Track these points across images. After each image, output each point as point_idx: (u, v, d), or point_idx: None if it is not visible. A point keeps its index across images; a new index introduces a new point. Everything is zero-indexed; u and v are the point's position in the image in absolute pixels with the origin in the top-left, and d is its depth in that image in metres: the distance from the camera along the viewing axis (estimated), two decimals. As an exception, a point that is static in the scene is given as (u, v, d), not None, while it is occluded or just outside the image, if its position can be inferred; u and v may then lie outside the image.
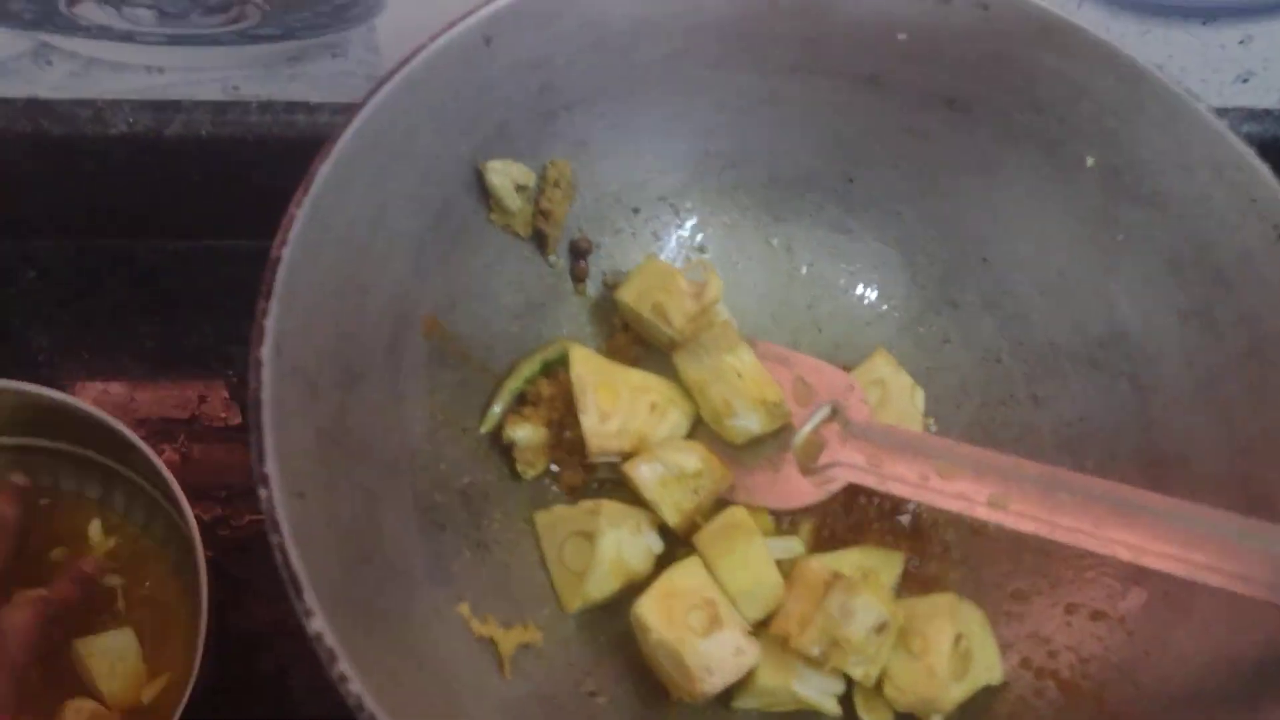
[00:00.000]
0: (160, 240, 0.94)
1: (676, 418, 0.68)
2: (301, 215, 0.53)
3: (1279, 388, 0.62)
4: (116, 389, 0.89)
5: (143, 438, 0.68)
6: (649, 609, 0.60)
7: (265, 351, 0.51)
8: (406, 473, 0.61)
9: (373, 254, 0.60)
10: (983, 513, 0.61)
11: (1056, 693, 0.63)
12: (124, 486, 0.75)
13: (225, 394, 0.89)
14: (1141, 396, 0.68)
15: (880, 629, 0.60)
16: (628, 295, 0.69)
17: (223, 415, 0.89)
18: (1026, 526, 0.59)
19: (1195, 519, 0.56)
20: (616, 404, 0.66)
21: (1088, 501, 0.58)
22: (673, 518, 0.65)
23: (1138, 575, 0.65)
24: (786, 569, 0.64)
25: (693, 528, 0.65)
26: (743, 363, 0.66)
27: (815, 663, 0.61)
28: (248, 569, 0.82)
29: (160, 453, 0.68)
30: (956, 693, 0.62)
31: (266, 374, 0.51)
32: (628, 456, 0.66)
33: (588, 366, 0.67)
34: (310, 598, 0.47)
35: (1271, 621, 0.57)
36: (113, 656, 0.69)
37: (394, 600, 0.55)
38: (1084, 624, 0.65)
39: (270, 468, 0.49)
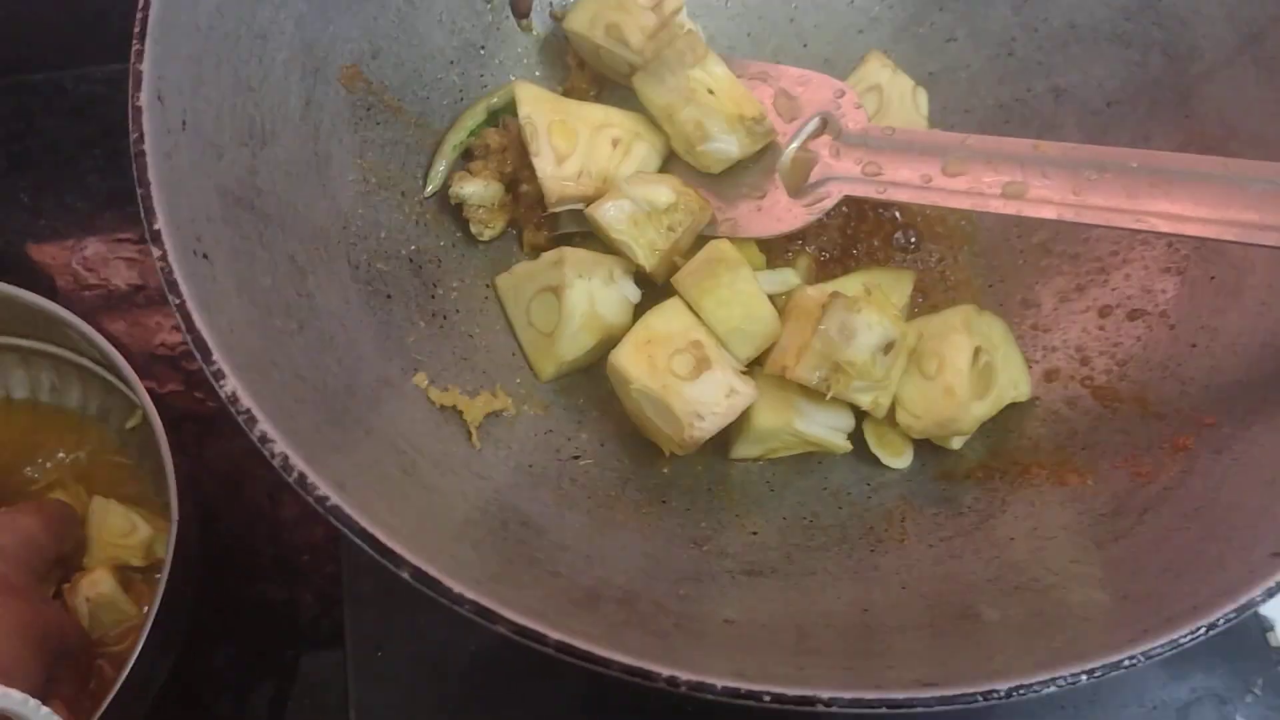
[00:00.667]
0: (90, 67, 0.86)
1: (644, 152, 0.60)
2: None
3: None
4: (60, 235, 0.84)
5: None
6: (627, 358, 0.54)
7: (144, 98, 0.45)
8: (339, 242, 0.55)
9: (267, -6, 0.52)
10: (997, 205, 0.53)
11: (1092, 401, 0.56)
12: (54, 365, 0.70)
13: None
14: (1177, 67, 0.59)
15: (887, 349, 0.53)
16: (578, 23, 0.61)
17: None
18: (1049, 213, 0.51)
19: (1244, 176, 0.48)
20: (574, 143, 0.58)
21: (1120, 174, 0.50)
22: (648, 260, 0.58)
23: (1180, 263, 0.57)
24: (783, 305, 0.57)
25: (672, 269, 0.58)
26: (714, 77, 0.57)
27: (817, 395, 0.54)
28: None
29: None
30: (979, 410, 0.55)
31: (148, 123, 0.45)
32: (593, 202, 0.59)
33: (538, 105, 0.59)
34: (219, 358, 0.42)
35: (1334, 288, 0.49)
36: (98, 523, 0.65)
37: (333, 372, 0.49)
38: (1120, 325, 0.57)
39: (162, 224, 0.43)
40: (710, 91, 0.57)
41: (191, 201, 0.46)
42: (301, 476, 0.41)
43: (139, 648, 0.55)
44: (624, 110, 0.61)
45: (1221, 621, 0.39)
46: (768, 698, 0.38)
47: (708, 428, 0.53)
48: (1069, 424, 0.56)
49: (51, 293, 0.79)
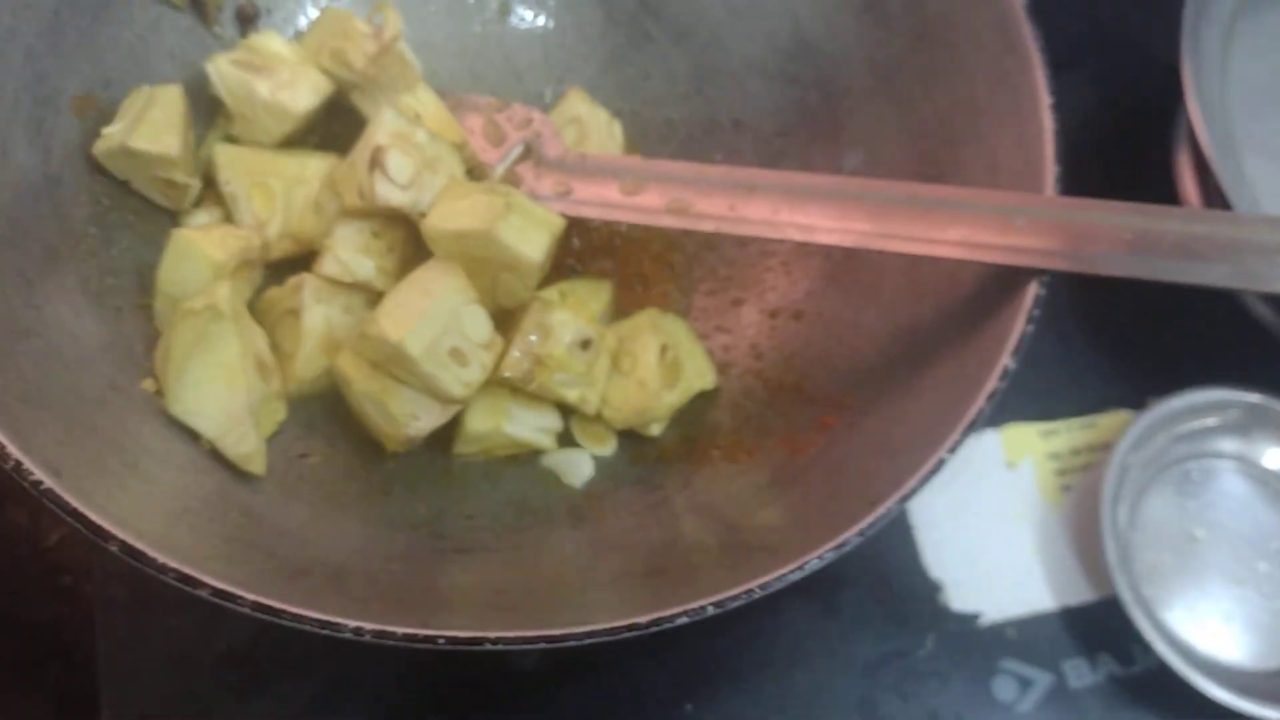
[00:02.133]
0: None
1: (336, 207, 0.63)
2: None
3: (944, 67, 0.63)
4: None
5: None
6: (349, 361, 0.59)
7: None
8: (69, 257, 0.58)
9: (-8, 27, 0.56)
10: (668, 220, 0.61)
11: (763, 390, 0.64)
12: None
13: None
14: (830, 102, 0.69)
15: (584, 345, 0.60)
16: (307, 49, 0.66)
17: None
18: (707, 226, 0.60)
19: (861, 193, 0.57)
20: (273, 206, 0.63)
21: (766, 192, 0.59)
22: (385, 284, 0.62)
23: (834, 270, 0.66)
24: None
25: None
26: (421, 102, 0.64)
27: (527, 398, 0.61)
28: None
29: None
30: (670, 399, 0.63)
31: None
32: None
33: (235, 170, 0.63)
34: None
35: (942, 286, 0.59)
36: None
37: (59, 377, 0.53)
38: (788, 325, 0.67)
39: None
40: (417, 116, 0.63)
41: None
42: (17, 463, 0.44)
43: None
44: (322, 156, 0.65)
45: (820, 559, 0.47)
46: (442, 640, 0.44)
47: (422, 427, 0.59)
48: (744, 410, 0.64)
49: None
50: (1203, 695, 0.66)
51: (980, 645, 0.72)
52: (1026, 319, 0.53)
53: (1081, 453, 0.79)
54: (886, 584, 0.72)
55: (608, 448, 0.64)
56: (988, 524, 0.75)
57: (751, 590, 0.46)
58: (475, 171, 0.66)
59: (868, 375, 0.60)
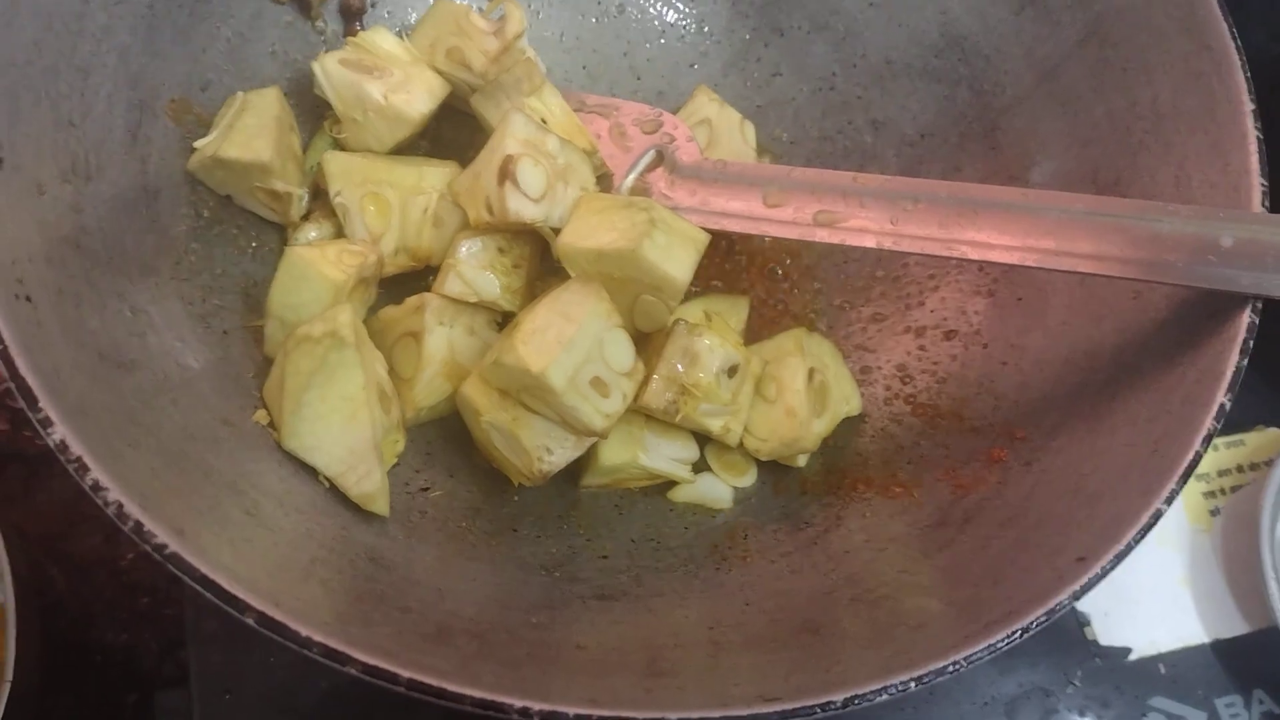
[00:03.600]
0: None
1: (456, 219, 0.59)
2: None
3: (1119, 67, 0.57)
4: None
5: None
6: (477, 389, 0.54)
7: (-47, 133, 0.43)
8: (171, 278, 0.54)
9: (88, 27, 0.51)
10: (822, 234, 0.55)
11: (914, 417, 0.59)
12: None
13: None
14: (982, 101, 0.63)
15: (731, 371, 0.55)
16: (418, 47, 0.61)
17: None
18: (869, 241, 0.54)
19: (1041, 206, 0.52)
20: (388, 219, 0.58)
21: (932, 205, 0.54)
22: (510, 303, 0.58)
23: (990, 286, 0.61)
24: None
25: (532, 296, 0.58)
26: (548, 107, 0.58)
27: (664, 427, 0.56)
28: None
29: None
30: (819, 428, 0.58)
31: (-43, 162, 0.43)
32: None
33: (347, 180, 0.58)
34: (46, 405, 0.40)
35: (1125, 307, 0.54)
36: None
37: (168, 414, 0.48)
38: (938, 345, 0.61)
39: (-25, 265, 0.42)
40: (544, 121, 0.58)
41: (11, 242, 0.44)
42: (138, 525, 0.40)
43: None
44: (440, 164, 0.60)
45: (1034, 625, 0.42)
46: (618, 725, 0.40)
47: (556, 461, 0.54)
48: (895, 439, 0.59)
49: None
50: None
51: (1130, 682, 0.68)
52: (1241, 350, 0.47)
53: (1230, 474, 0.73)
54: (1034, 619, 0.67)
55: (747, 478, 0.59)
56: (1135, 552, 0.70)
57: (957, 663, 0.41)
58: (601, 181, 0.60)
59: (1042, 405, 0.55)
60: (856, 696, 0.41)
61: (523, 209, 0.54)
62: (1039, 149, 0.61)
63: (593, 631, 0.49)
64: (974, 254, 0.52)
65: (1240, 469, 0.73)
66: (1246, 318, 0.48)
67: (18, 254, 0.44)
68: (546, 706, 0.39)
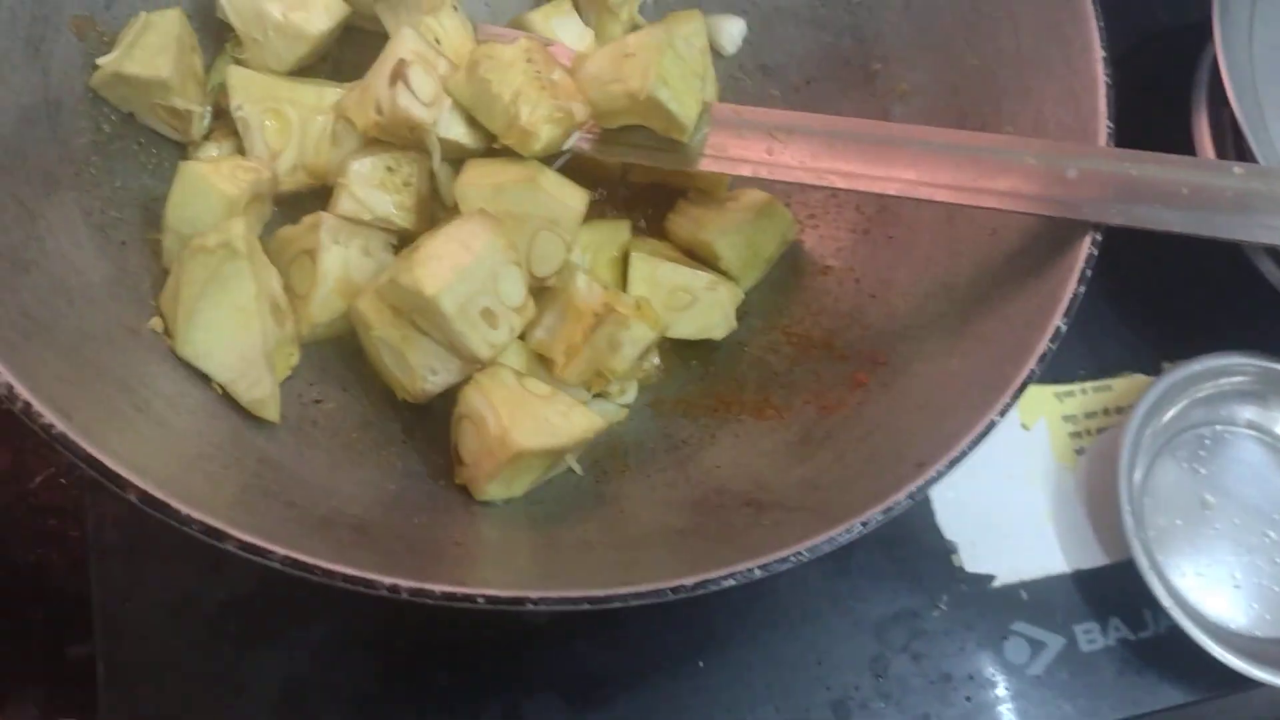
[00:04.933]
0: None
1: (352, 140, 0.61)
2: None
3: (989, 18, 0.61)
4: None
5: None
6: (370, 305, 0.56)
7: None
8: (71, 187, 0.55)
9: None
10: (706, 164, 0.58)
11: (789, 346, 0.63)
12: None
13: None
14: (864, 49, 0.67)
15: (645, 352, 0.58)
16: None
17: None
18: (745, 170, 0.58)
19: (905, 139, 0.55)
20: (288, 136, 0.60)
21: (806, 137, 0.57)
22: (404, 220, 0.60)
23: (865, 225, 0.65)
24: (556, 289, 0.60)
25: (433, 222, 0.60)
26: (444, 28, 0.60)
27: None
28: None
29: None
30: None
31: None
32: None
33: (249, 93, 0.59)
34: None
35: (982, 241, 0.58)
36: None
37: (64, 314, 0.50)
38: (814, 280, 0.65)
39: None
40: (438, 41, 0.60)
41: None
42: (26, 405, 0.42)
43: None
44: (340, 86, 0.62)
45: (872, 521, 0.46)
46: (481, 600, 0.42)
47: (439, 382, 0.57)
48: (769, 366, 0.62)
49: None
50: (1212, 660, 0.66)
51: (993, 607, 0.72)
52: (1079, 278, 0.51)
53: (1096, 416, 0.78)
54: (900, 544, 0.71)
55: (629, 395, 0.62)
56: (1002, 485, 0.75)
57: (799, 553, 0.45)
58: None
59: (903, 333, 0.59)
60: (706, 580, 0.44)
61: (412, 107, 0.56)
62: (914, 93, 0.64)
63: (471, 532, 0.52)
64: (841, 184, 0.55)
65: (1106, 412, 0.78)
66: (1086, 248, 0.52)
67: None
68: (414, 584, 0.42)
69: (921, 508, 0.73)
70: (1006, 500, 0.75)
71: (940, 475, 0.47)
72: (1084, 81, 0.55)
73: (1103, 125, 0.54)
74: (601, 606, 0.43)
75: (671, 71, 0.55)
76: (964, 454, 0.48)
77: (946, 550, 0.73)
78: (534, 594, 0.43)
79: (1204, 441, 0.75)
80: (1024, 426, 0.76)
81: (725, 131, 0.59)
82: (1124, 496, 0.69)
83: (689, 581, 0.44)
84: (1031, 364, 0.49)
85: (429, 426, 0.59)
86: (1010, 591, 0.72)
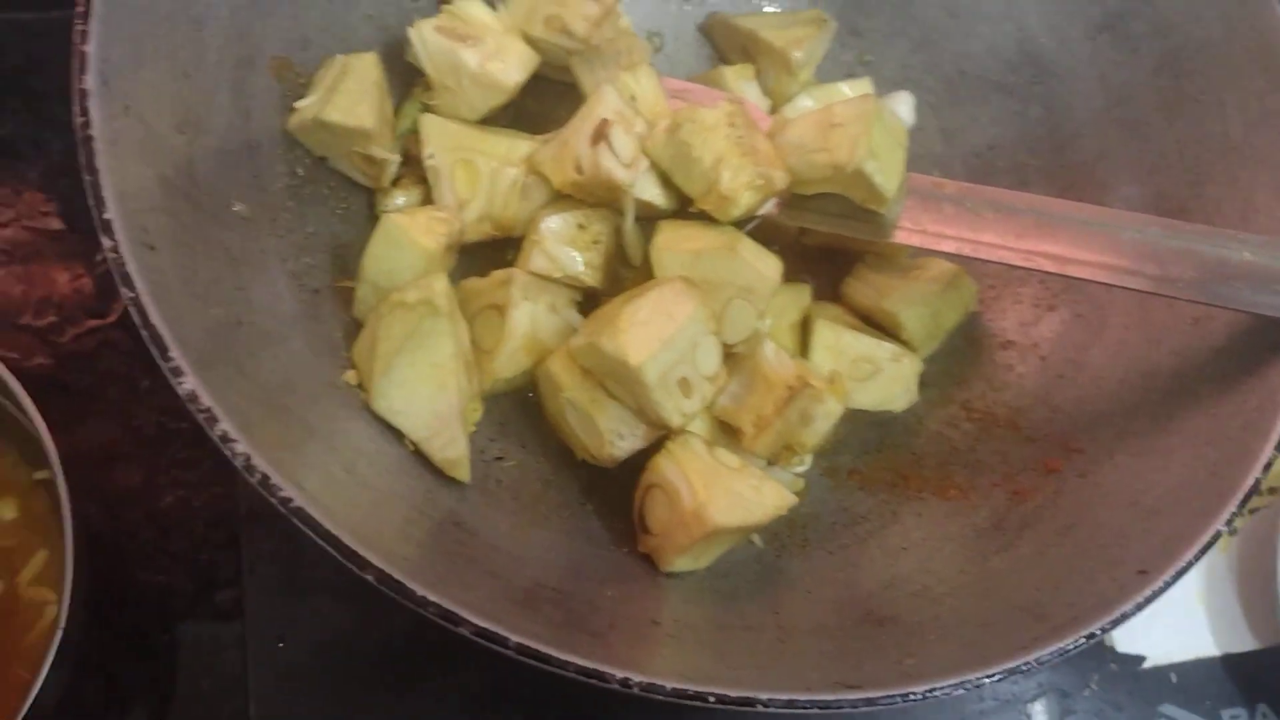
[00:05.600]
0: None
1: (541, 194, 0.60)
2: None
3: (1193, 98, 0.60)
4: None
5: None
6: (561, 366, 0.56)
7: (90, 81, 0.45)
8: (268, 234, 0.55)
9: (203, -23, 0.52)
10: (901, 236, 0.57)
11: (969, 423, 0.61)
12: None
13: (41, 190, 0.79)
14: (1052, 119, 0.65)
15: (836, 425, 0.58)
16: (514, 18, 0.61)
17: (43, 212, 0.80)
18: (946, 247, 0.56)
19: (1118, 225, 0.54)
20: (476, 186, 0.59)
21: (1011, 215, 0.56)
22: (591, 279, 0.59)
23: (1050, 300, 0.63)
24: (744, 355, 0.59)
25: (617, 280, 0.60)
26: (640, 86, 0.59)
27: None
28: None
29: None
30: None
31: (94, 107, 0.44)
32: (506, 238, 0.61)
33: (442, 142, 0.59)
34: (177, 355, 0.42)
35: (1183, 331, 0.56)
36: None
37: (270, 369, 0.49)
38: (995, 354, 0.63)
39: (112, 213, 0.43)
40: (633, 98, 0.59)
41: (136, 191, 0.45)
42: (265, 478, 0.41)
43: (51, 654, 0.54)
44: (531, 138, 0.61)
45: (1099, 632, 0.45)
46: (712, 699, 0.41)
47: (625, 447, 0.56)
48: (949, 442, 0.61)
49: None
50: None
51: (1142, 688, 0.71)
52: (1301, 383, 0.50)
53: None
54: (1057, 620, 0.70)
55: (804, 464, 0.61)
56: (1156, 565, 0.73)
57: (1028, 663, 0.44)
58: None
59: (1098, 420, 0.57)
60: (934, 689, 0.43)
61: (615, 169, 0.55)
62: (1106, 171, 0.63)
63: (664, 608, 0.51)
64: (1052, 267, 0.54)
65: (1260, 493, 0.76)
66: (1309, 352, 0.50)
67: (141, 204, 0.45)
68: (645, 679, 0.41)
69: (1076, 585, 0.72)
70: (1159, 580, 0.73)
71: (1168, 586, 0.46)
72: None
73: (1324, 223, 0.53)
74: (831, 712, 0.42)
75: (880, 144, 0.54)
76: (1190, 564, 0.46)
77: (1100, 631, 0.72)
78: (764, 694, 0.42)
79: (1366, 529, 0.74)
80: (1179, 505, 0.75)
81: (923, 204, 0.57)
82: (1278, 579, 0.68)
83: (918, 690, 0.43)
84: (1257, 471, 0.48)
85: (606, 489, 0.58)
86: (1160, 673, 0.71)
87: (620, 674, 0.41)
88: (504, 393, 0.59)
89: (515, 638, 0.41)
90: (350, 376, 0.54)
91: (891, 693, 0.42)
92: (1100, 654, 0.71)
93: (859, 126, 0.54)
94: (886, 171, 0.55)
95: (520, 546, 0.53)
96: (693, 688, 0.41)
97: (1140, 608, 0.45)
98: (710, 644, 0.49)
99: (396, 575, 0.41)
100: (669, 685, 0.41)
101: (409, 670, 0.64)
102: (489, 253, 0.61)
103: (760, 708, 0.42)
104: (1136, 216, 0.54)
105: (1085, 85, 0.64)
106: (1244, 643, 0.72)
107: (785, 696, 0.42)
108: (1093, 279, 0.54)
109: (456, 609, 0.41)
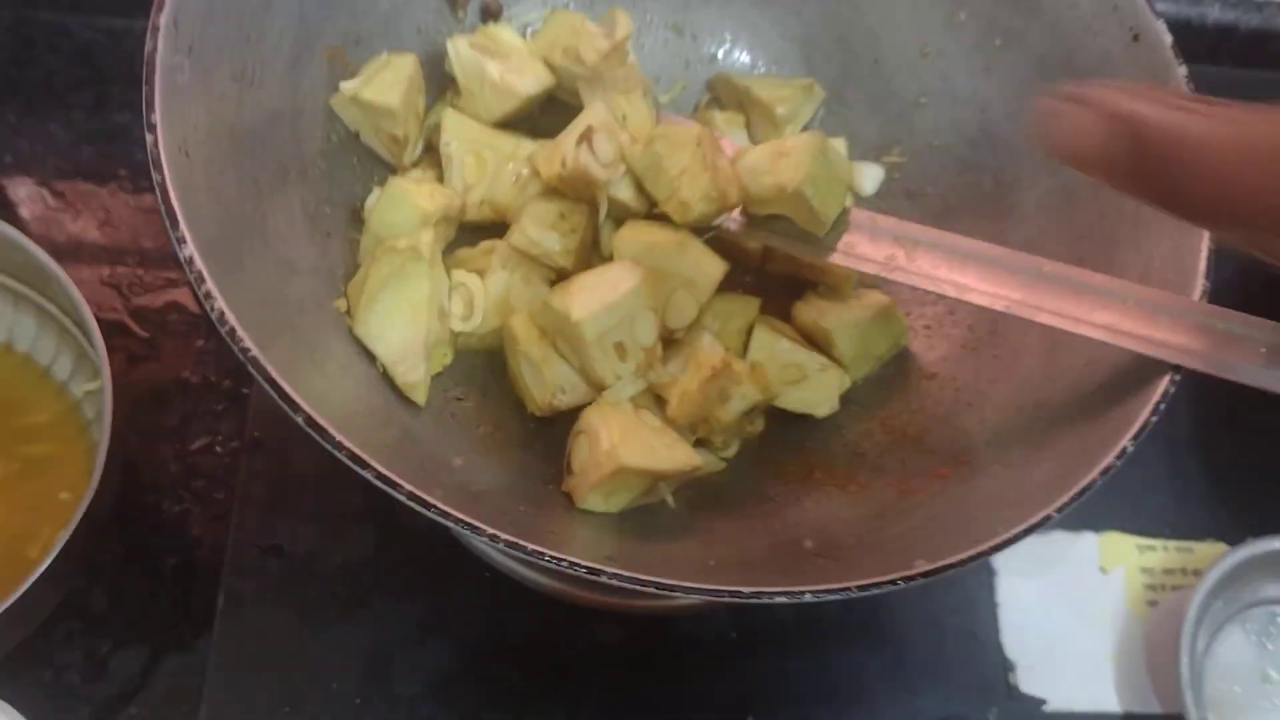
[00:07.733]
0: (96, 17, 0.98)
1: (536, 186, 0.70)
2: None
3: (1117, 176, 0.67)
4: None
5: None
6: (521, 323, 0.65)
7: (164, 19, 0.55)
8: (297, 181, 0.65)
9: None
10: (836, 258, 0.65)
11: (884, 435, 0.68)
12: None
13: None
14: (1000, 190, 0.73)
15: (750, 411, 0.65)
16: (539, 45, 0.73)
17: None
18: (869, 269, 0.65)
19: (1031, 268, 0.61)
20: (483, 174, 0.69)
21: (931, 248, 0.64)
22: (564, 260, 0.68)
23: (974, 343, 0.70)
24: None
25: (588, 267, 0.67)
26: (633, 107, 0.70)
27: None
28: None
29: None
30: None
31: (163, 40, 0.55)
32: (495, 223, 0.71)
33: (458, 134, 0.70)
34: (185, 229, 0.51)
35: (1077, 370, 0.62)
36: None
37: (269, 273, 0.59)
38: (919, 383, 0.70)
39: (159, 118, 0.53)
40: (624, 118, 0.69)
41: (184, 113, 0.56)
42: (221, 314, 0.50)
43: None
44: (534, 141, 0.71)
45: (919, 578, 0.51)
46: (565, 563, 0.49)
47: (566, 400, 0.65)
48: (862, 450, 0.68)
49: (14, 219, 0.90)
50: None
51: (1039, 729, 0.74)
52: (1153, 410, 0.56)
53: (1174, 574, 0.80)
54: (963, 650, 0.75)
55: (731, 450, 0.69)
56: (1071, 619, 0.78)
57: (848, 588, 0.50)
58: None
59: (990, 440, 0.63)
60: (760, 592, 0.49)
61: (591, 166, 0.65)
62: (1040, 235, 0.70)
63: (567, 526, 0.59)
64: (952, 292, 0.62)
65: (1184, 572, 0.80)
66: (1164, 384, 0.56)
67: (186, 123, 0.56)
68: (511, 538, 0.49)
69: (987, 623, 0.77)
70: (1073, 634, 0.77)
71: (997, 549, 0.52)
72: (1190, 245, 0.61)
73: (1198, 285, 0.59)
74: (665, 592, 0.49)
75: (820, 174, 0.63)
76: (1016, 537, 0.52)
77: (1005, 667, 0.76)
78: (609, 569, 0.49)
79: (1276, 619, 0.77)
80: (1103, 570, 0.79)
81: (860, 234, 0.66)
82: (1184, 656, 0.72)
83: (746, 589, 0.49)
84: (1094, 474, 0.54)
85: (549, 441, 0.66)
86: (1060, 718, 0.75)
87: (489, 530, 0.49)
88: (476, 350, 0.68)
89: (408, 486, 0.49)
90: (340, 304, 0.64)
91: (774, 590, 0.49)
92: (1004, 690, 0.75)
93: (803, 155, 0.63)
94: (823, 197, 0.63)
95: (457, 463, 0.61)
96: (611, 569, 0.49)
97: (963, 564, 0.51)
98: (603, 558, 0.55)
99: (320, 420, 0.49)
100: (529, 545, 0.49)
101: (362, 590, 0.73)
102: (488, 235, 0.71)
103: (605, 579, 0.49)
104: (1034, 258, 0.62)
105: (1032, 163, 0.72)
106: (1147, 705, 0.75)
107: (628, 573, 0.49)
108: (986, 305, 0.61)
109: (363, 454, 0.49)
